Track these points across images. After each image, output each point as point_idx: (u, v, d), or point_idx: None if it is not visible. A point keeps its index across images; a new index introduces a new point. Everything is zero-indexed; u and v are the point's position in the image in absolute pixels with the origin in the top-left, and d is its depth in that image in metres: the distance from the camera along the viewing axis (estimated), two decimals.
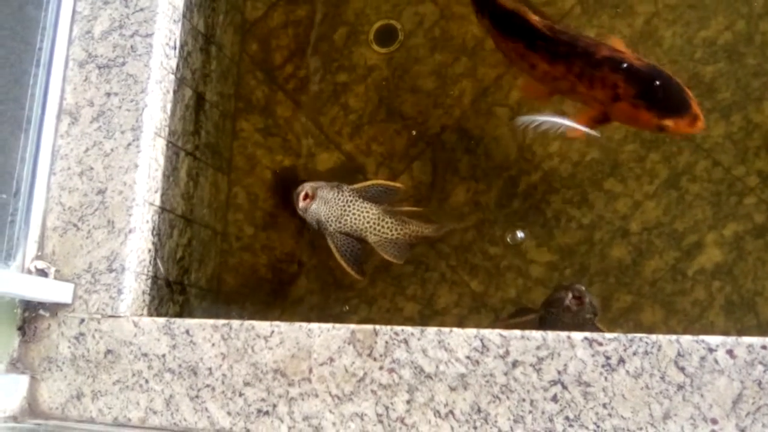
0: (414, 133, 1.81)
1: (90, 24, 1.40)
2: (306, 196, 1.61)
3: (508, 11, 1.42)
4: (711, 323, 1.54)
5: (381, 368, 1.09)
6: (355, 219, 1.60)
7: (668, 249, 1.62)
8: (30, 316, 1.27)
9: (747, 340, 0.99)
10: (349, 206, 1.60)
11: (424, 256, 1.74)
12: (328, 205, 1.59)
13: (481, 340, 1.06)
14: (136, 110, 1.34)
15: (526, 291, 1.68)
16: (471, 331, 1.07)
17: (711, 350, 0.99)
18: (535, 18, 1.38)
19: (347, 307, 1.75)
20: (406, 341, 1.09)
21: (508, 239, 1.69)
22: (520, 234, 1.69)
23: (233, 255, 1.84)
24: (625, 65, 1.31)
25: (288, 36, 1.94)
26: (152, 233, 1.37)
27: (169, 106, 1.44)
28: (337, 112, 1.86)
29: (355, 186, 1.64)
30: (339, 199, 1.60)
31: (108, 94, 1.36)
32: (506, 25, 1.45)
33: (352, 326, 1.12)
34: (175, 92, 1.46)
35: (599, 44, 1.36)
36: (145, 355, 1.20)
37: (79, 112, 1.36)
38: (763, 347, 0.98)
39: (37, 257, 1.30)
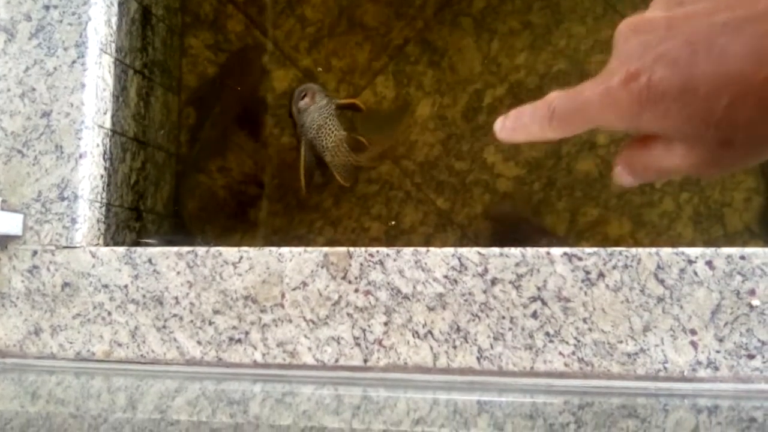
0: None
1: None
2: (305, 95, 1.56)
3: None
4: (679, 234, 1.55)
5: (356, 291, 1.06)
6: (326, 135, 1.56)
7: None
8: None
9: (726, 250, 0.99)
10: (328, 120, 1.55)
11: (389, 175, 1.69)
12: (319, 112, 1.55)
13: (459, 258, 1.04)
14: (79, 24, 1.23)
15: (493, 207, 1.65)
16: (448, 250, 1.04)
17: (690, 262, 0.98)
18: None
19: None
20: (381, 262, 1.05)
21: None
22: None
23: (189, 177, 1.76)
24: None
25: None
26: (103, 158, 1.29)
27: (114, 20, 1.33)
28: (293, 25, 1.76)
29: (340, 101, 1.60)
30: (325, 110, 1.55)
31: (46, 7, 1.24)
32: None
33: (325, 249, 1.08)
34: (120, 5, 1.35)
35: None
36: (106, 286, 1.14)
37: (16, 28, 1.24)
38: (742, 257, 0.98)
39: None
